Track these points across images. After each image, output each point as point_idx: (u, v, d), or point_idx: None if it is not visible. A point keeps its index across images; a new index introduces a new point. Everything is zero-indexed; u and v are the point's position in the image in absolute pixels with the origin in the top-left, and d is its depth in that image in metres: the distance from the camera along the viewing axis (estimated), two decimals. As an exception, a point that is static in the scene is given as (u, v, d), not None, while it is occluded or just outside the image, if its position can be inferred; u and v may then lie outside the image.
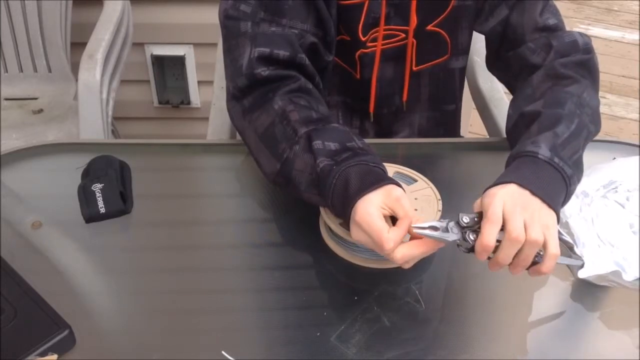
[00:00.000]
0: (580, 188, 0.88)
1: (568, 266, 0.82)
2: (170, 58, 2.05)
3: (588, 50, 0.98)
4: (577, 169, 0.82)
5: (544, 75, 0.96)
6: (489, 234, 0.71)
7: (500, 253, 0.72)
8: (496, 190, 0.74)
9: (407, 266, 0.74)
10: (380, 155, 0.82)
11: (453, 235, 0.72)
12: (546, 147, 0.80)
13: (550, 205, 0.74)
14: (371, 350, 0.74)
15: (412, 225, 0.73)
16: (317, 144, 0.81)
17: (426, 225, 0.73)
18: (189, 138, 1.13)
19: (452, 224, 0.73)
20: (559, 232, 0.78)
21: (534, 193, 0.74)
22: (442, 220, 0.74)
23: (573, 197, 0.86)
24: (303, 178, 0.82)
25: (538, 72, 0.97)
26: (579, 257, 0.80)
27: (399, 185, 0.77)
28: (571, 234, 0.84)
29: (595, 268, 0.80)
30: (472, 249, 0.73)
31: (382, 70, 1.06)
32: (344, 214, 0.77)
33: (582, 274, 0.79)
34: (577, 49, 0.97)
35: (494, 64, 1.10)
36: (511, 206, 0.72)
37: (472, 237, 0.72)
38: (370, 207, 0.73)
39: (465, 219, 0.73)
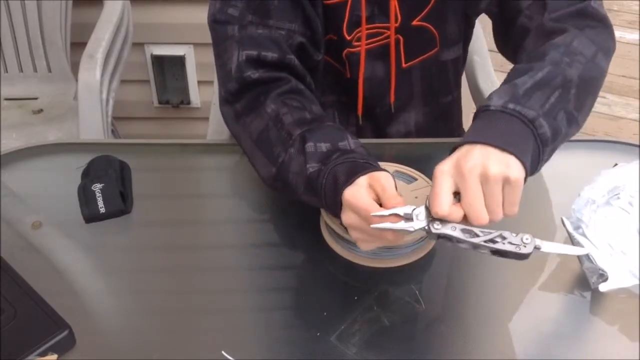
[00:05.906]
0: (586, 196, 0.87)
1: (586, 277, 0.82)
2: (170, 58, 2.05)
3: None
4: (549, 115, 0.75)
5: (534, 37, 0.90)
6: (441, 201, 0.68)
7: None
8: (440, 166, 0.71)
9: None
10: (380, 155, 0.81)
11: (419, 223, 0.69)
12: (499, 98, 0.75)
13: (504, 149, 0.69)
14: (371, 350, 0.74)
15: (372, 214, 0.70)
16: (309, 146, 0.81)
17: (387, 213, 0.69)
18: (189, 138, 1.13)
19: (419, 210, 0.69)
20: (572, 237, 0.78)
21: (483, 143, 0.70)
22: (410, 206, 0.70)
23: (583, 204, 0.85)
24: (300, 180, 0.81)
25: (530, 35, 0.91)
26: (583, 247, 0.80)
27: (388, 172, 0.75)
28: (586, 242, 0.84)
29: (617, 282, 0.79)
30: (442, 237, 0.69)
31: (371, 70, 1.05)
32: (335, 208, 0.76)
33: (603, 287, 0.79)
34: (570, 2, 0.89)
35: (504, 47, 1.03)
36: (459, 171, 0.69)
37: (436, 226, 0.68)
38: (359, 189, 0.73)
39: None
